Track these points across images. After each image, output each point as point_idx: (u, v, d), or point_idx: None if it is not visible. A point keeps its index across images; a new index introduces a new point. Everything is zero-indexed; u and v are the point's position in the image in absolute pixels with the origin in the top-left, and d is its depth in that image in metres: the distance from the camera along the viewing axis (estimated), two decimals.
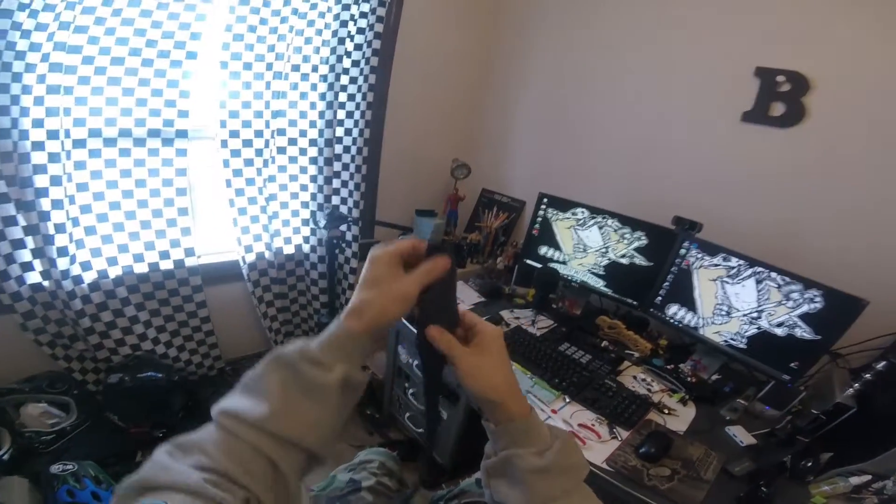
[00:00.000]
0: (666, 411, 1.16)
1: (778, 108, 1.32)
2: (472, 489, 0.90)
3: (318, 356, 0.42)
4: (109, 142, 1.31)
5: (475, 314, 0.54)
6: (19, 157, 1.16)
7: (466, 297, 1.72)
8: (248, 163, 1.58)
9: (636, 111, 1.69)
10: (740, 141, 1.42)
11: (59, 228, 1.28)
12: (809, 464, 0.98)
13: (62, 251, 1.30)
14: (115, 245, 1.42)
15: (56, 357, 1.45)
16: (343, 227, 1.84)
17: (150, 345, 1.61)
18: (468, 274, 1.94)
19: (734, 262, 1.26)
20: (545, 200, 1.68)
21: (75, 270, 1.36)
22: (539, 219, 1.70)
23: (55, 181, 1.22)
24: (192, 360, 1.77)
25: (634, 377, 1.32)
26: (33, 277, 1.32)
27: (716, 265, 1.30)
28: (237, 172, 1.57)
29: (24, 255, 1.29)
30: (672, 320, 1.42)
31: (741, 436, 1.10)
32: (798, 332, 1.14)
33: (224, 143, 1.52)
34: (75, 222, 1.32)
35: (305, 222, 1.87)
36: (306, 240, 1.90)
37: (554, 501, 0.45)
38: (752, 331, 1.23)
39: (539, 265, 1.70)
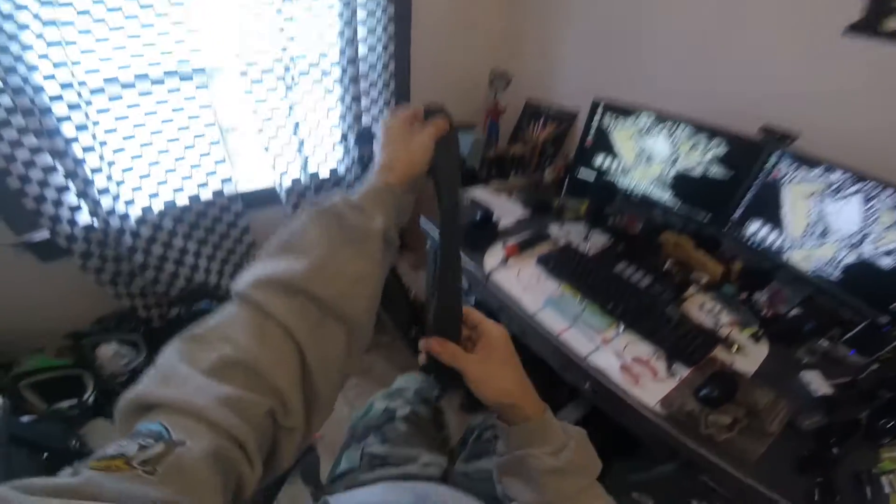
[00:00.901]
0: (734, 348, 1.03)
1: (893, 22, 1.00)
2: None
3: (361, 204, 0.44)
4: (127, 86, 1.27)
5: (479, 313, 0.53)
6: (40, 111, 1.16)
7: (509, 211, 1.57)
8: (271, 90, 1.51)
9: (712, 6, 1.35)
10: (843, 54, 1.11)
11: (96, 171, 1.30)
12: (890, 424, 0.83)
13: (103, 191, 1.33)
14: (153, 181, 1.43)
15: (119, 295, 1.53)
16: (376, 147, 1.73)
17: (202, 275, 1.66)
18: (511, 188, 1.79)
19: (837, 175, 1.02)
20: (601, 107, 1.45)
21: (120, 209, 1.39)
22: (595, 127, 1.48)
23: (81, 128, 1.23)
24: None
25: (700, 306, 1.18)
26: (83, 218, 1.36)
27: (812, 180, 1.07)
28: (260, 101, 1.50)
29: (71, 199, 1.32)
30: (751, 241, 1.22)
31: (816, 383, 0.95)
32: None
33: (243, 73, 1.44)
34: (111, 164, 1.33)
35: (338, 144, 1.80)
36: (340, 161, 1.84)
37: (567, 500, 0.46)
38: (851, 259, 1.02)
39: (593, 176, 1.51)
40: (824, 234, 1.06)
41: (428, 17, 1.75)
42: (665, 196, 1.40)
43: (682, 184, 1.35)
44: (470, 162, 1.92)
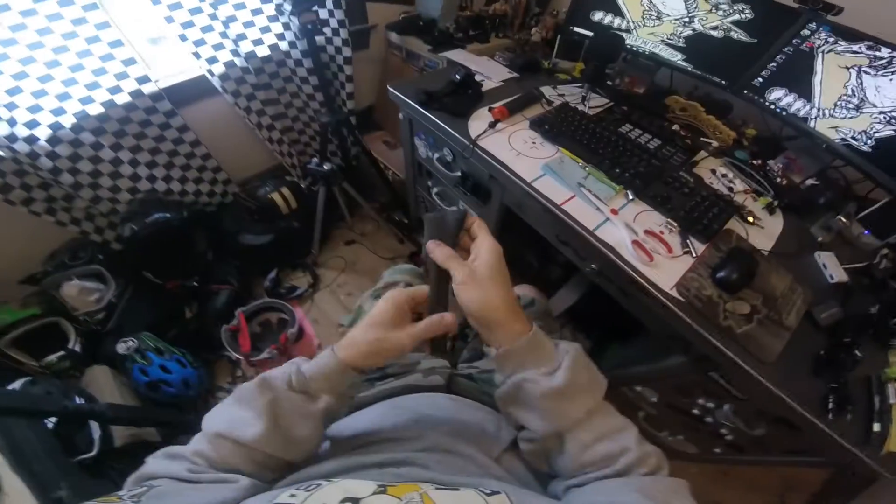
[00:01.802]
0: (750, 220, 0.94)
1: None
2: None
3: (306, 385, 0.45)
4: None
5: (484, 225, 0.50)
6: None
7: (494, 73, 1.37)
8: None
9: None
10: None
11: None
12: None
13: None
14: (51, 97, 1.20)
15: (62, 222, 1.39)
16: (323, 14, 1.48)
17: (146, 184, 1.50)
18: (493, 49, 1.58)
19: (884, 52, 0.88)
20: None
21: (22, 132, 1.18)
22: None
23: None
24: (199, 189, 1.68)
25: (713, 171, 1.07)
26: None
27: (855, 52, 0.92)
28: None
29: None
30: (774, 106, 1.07)
31: (832, 268, 0.89)
32: None
33: None
34: None
35: (273, 18, 1.49)
36: (281, 37, 1.55)
37: (576, 426, 0.43)
38: (887, 132, 0.91)
39: (591, 33, 1.28)
40: (859, 106, 0.94)
41: None
42: (676, 56, 1.20)
43: (697, 44, 1.15)
44: (442, 23, 1.63)
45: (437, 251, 0.47)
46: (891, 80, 0.89)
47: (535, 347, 0.45)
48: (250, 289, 1.73)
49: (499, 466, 0.49)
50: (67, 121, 1.25)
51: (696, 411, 1.02)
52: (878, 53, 0.90)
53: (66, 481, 0.85)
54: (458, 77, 1.18)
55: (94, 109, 1.29)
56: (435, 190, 1.49)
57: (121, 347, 1.30)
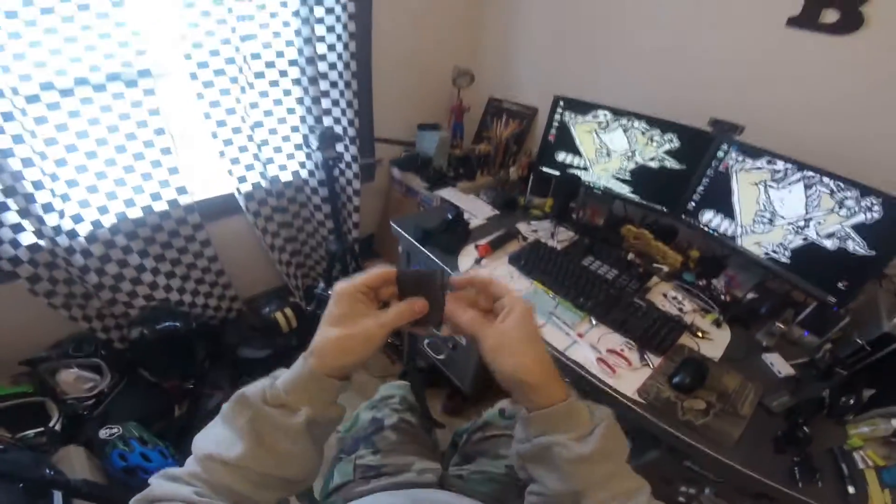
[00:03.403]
0: (699, 335, 1.11)
1: (830, 15, 1.11)
2: (495, 420, 0.90)
3: (282, 398, 0.41)
4: (66, 93, 1.18)
5: (503, 284, 0.49)
6: None
7: (479, 211, 1.62)
8: (224, 92, 1.43)
9: (662, 6, 1.44)
10: (785, 47, 1.22)
11: (37, 185, 1.20)
12: (850, 401, 0.89)
13: (47, 207, 1.24)
14: (101, 194, 1.34)
15: (74, 318, 1.44)
16: (340, 148, 1.72)
17: (162, 293, 1.60)
18: (479, 187, 1.84)
19: (780, 165, 1.11)
20: (561, 104, 1.49)
21: (67, 225, 1.30)
22: (556, 123, 1.53)
23: (17, 139, 1.13)
24: (208, 303, 1.77)
25: (664, 294, 1.26)
26: (27, 238, 1.26)
27: (759, 168, 1.15)
28: (214, 104, 1.43)
29: (11, 217, 1.21)
30: (707, 228, 1.30)
31: (779, 365, 1.05)
32: (850, 246, 1.02)
33: (193, 76, 1.36)
34: (54, 177, 1.23)
35: (299, 147, 1.74)
36: (302, 165, 1.79)
37: (595, 487, 0.42)
38: (798, 242, 1.12)
39: (557, 172, 1.56)
40: (772, 219, 1.15)
41: (388, 14, 1.72)
42: (624, 189, 1.47)
43: (640, 176, 1.42)
44: (437, 162, 1.93)
45: (464, 316, 0.46)
46: (790, 191, 1.09)
47: (570, 414, 0.43)
48: None
49: None
50: (108, 221, 1.37)
51: (681, 499, 1.09)
52: (776, 167, 1.10)
53: None
54: (450, 217, 1.41)
55: (134, 213, 1.41)
56: None
57: (103, 433, 1.30)
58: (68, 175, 1.26)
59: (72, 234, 1.31)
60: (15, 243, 1.23)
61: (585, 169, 1.53)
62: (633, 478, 0.45)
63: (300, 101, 1.64)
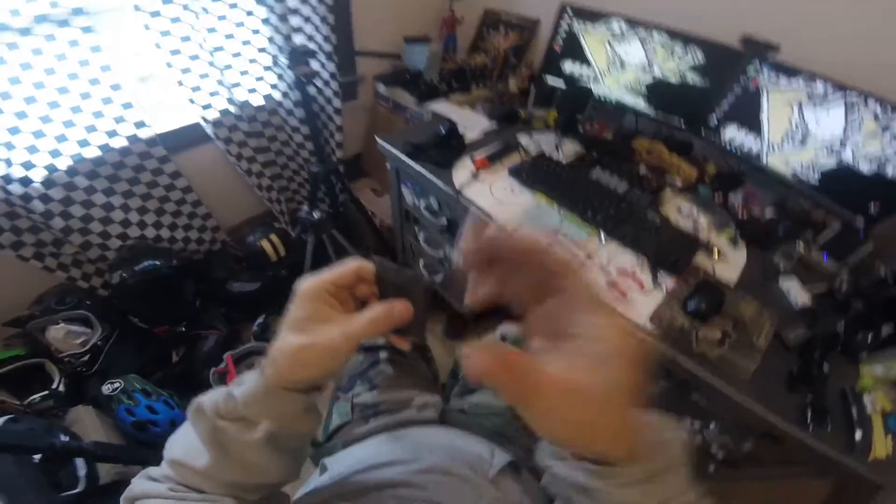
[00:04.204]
0: (715, 254, 1.02)
1: None
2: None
3: (239, 411, 0.36)
4: None
5: (565, 255, 0.28)
6: None
7: (475, 124, 1.46)
8: (175, 20, 1.28)
9: None
10: None
11: None
12: (867, 337, 0.81)
13: None
14: (50, 138, 1.23)
15: (50, 268, 1.38)
16: (315, 66, 1.55)
17: (137, 230, 1.52)
18: (474, 100, 1.67)
19: (819, 86, 0.99)
20: (569, 12, 1.31)
21: (17, 172, 1.20)
22: (563, 33, 1.35)
23: None
24: (189, 236, 1.69)
25: (678, 209, 1.16)
26: None
27: (794, 88, 1.03)
28: (165, 33, 1.28)
29: None
30: (729, 145, 1.18)
31: (796, 292, 0.95)
32: (890, 171, 0.92)
33: (137, 7, 1.21)
34: None
35: (268, 68, 1.58)
36: (274, 86, 1.64)
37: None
38: (830, 163, 1.01)
39: (562, 83, 1.40)
40: (804, 139, 1.04)
41: None
42: (639, 102, 1.32)
43: (657, 90, 1.27)
44: (428, 76, 1.75)
45: (494, 365, 0.24)
46: (827, 113, 0.99)
47: (633, 471, 0.27)
48: (238, 333, 1.72)
49: (494, 489, 0.50)
50: (63, 163, 1.27)
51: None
52: (814, 87, 1.00)
53: None
54: (443, 130, 1.28)
55: (91, 153, 1.31)
56: (422, 236, 1.54)
57: (106, 388, 1.28)
58: (7, 122, 1.15)
59: (25, 182, 1.22)
60: None
61: (596, 80, 1.37)
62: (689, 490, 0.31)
63: (265, 21, 1.47)
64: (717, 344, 0.82)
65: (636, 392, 0.25)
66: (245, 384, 0.37)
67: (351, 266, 0.37)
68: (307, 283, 0.36)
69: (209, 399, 0.38)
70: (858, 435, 0.74)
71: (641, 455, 0.27)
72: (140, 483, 0.39)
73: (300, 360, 0.35)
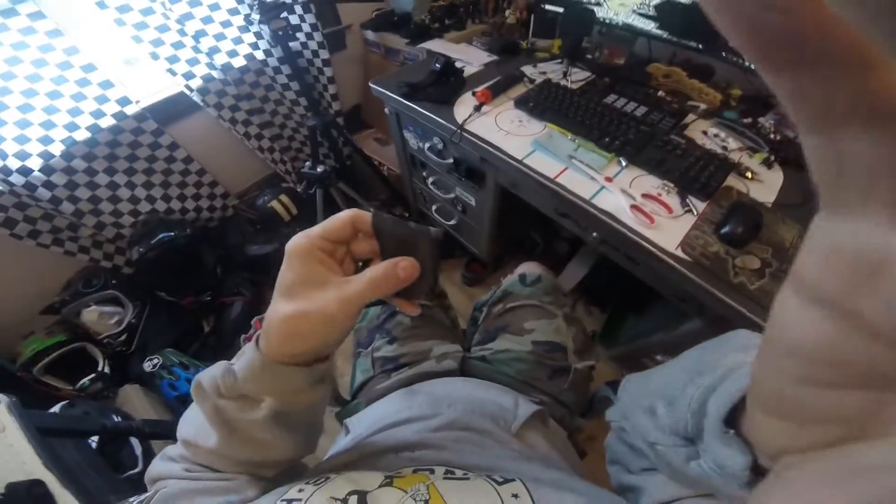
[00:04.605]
0: (748, 175, 0.93)
1: None
2: (515, 289, 0.83)
3: (238, 388, 0.33)
4: None
5: None
6: None
7: (474, 58, 1.36)
8: None
9: None
10: None
11: None
12: None
13: None
14: (36, 126, 1.22)
15: (71, 252, 1.41)
16: (293, 19, 1.48)
17: (147, 205, 1.53)
18: (470, 35, 1.56)
19: None
20: None
21: (14, 164, 1.20)
22: None
23: None
24: (199, 205, 1.70)
25: (704, 132, 1.05)
26: None
27: None
28: (124, 9, 1.22)
29: None
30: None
31: None
32: None
33: None
34: None
35: (244, 29, 1.49)
36: (254, 46, 1.56)
37: None
38: None
39: (562, 9, 1.27)
40: None
41: None
42: (650, 25, 1.18)
43: (669, 10, 1.12)
44: (416, 15, 1.62)
45: None
46: None
47: None
48: (263, 296, 1.74)
49: (518, 442, 0.49)
50: (57, 149, 1.27)
51: None
52: None
53: (116, 496, 0.87)
54: (438, 66, 1.18)
55: (81, 135, 1.30)
56: (430, 180, 1.49)
57: (147, 366, 1.33)
58: None
59: (24, 171, 1.22)
60: None
61: (598, 4, 1.22)
62: None
63: None
64: (756, 274, 0.75)
65: None
66: (244, 356, 0.34)
67: (343, 216, 0.33)
68: (295, 240, 0.32)
69: (208, 376, 0.35)
70: None
71: None
72: (159, 464, 0.38)
73: (293, 331, 0.31)
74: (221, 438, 0.34)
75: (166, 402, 1.33)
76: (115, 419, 1.12)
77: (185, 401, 1.31)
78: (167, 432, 1.13)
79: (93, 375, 1.31)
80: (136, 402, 1.28)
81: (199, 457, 0.36)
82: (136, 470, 1.07)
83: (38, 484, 0.71)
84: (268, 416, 0.33)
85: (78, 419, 1.07)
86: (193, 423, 0.36)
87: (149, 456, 1.13)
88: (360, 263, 0.35)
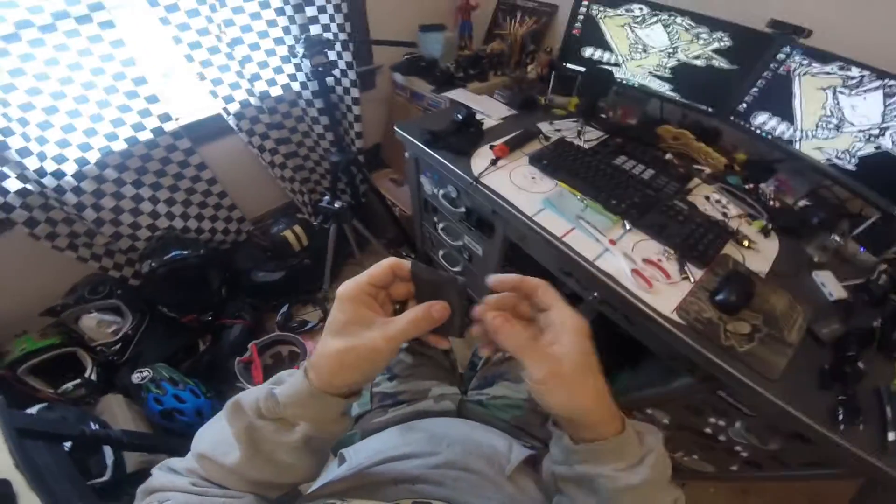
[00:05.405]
0: (745, 244, 0.98)
1: None
2: None
3: (278, 411, 0.37)
4: (10, 38, 1.06)
5: (553, 291, 0.39)
6: None
7: (493, 111, 1.43)
8: (193, 13, 1.29)
9: None
10: None
11: (6, 132, 1.13)
12: None
13: (23, 152, 1.18)
14: (79, 132, 1.27)
15: (83, 258, 1.44)
16: (332, 55, 1.56)
17: (165, 221, 1.57)
18: (492, 87, 1.64)
19: (855, 72, 0.94)
20: None
21: (50, 166, 1.25)
22: (580, 17, 1.30)
23: None
24: (215, 227, 1.74)
25: (707, 198, 1.11)
26: (12, 185, 1.21)
27: (828, 73, 0.98)
28: (183, 27, 1.29)
29: None
30: (759, 130, 1.13)
31: (830, 286, 0.91)
32: None
33: (153, 2, 1.21)
34: (22, 122, 1.16)
35: (286, 59, 1.58)
36: (293, 77, 1.64)
37: None
38: (869, 150, 0.96)
39: (583, 69, 1.36)
40: (839, 126, 0.99)
41: None
42: (664, 87, 1.27)
43: (682, 74, 1.22)
44: (443, 62, 1.73)
45: (511, 335, 0.37)
46: (864, 98, 0.94)
47: (622, 446, 0.37)
48: (262, 323, 1.76)
49: (511, 484, 0.50)
50: (93, 157, 1.31)
51: (708, 430, 1.03)
52: (849, 73, 0.95)
53: (83, 503, 0.86)
54: (460, 117, 1.25)
55: (118, 146, 1.35)
56: (441, 225, 1.53)
57: (136, 377, 1.32)
58: (37, 118, 1.18)
59: (58, 175, 1.26)
60: (2, 191, 1.19)
61: (617, 65, 1.32)
62: (671, 491, 0.40)
63: (280, 11, 1.46)
64: (746, 338, 0.79)
65: (596, 363, 0.37)
66: (286, 385, 0.39)
67: (385, 264, 0.39)
68: (346, 286, 0.38)
69: (249, 397, 0.39)
70: (892, 436, 0.70)
71: (631, 435, 0.38)
72: (161, 475, 0.39)
73: (343, 364, 0.36)
74: (245, 457, 0.37)
75: (148, 416, 1.32)
76: (93, 426, 1.12)
77: (169, 416, 1.30)
78: (146, 445, 1.13)
79: (78, 381, 1.32)
80: (116, 411, 1.27)
81: (212, 472, 0.38)
82: (104, 479, 1.07)
83: (5, 484, 0.72)
84: (299, 439, 0.37)
85: (56, 423, 1.06)
86: (212, 439, 0.39)
87: (120, 467, 1.12)
88: (398, 306, 0.41)
